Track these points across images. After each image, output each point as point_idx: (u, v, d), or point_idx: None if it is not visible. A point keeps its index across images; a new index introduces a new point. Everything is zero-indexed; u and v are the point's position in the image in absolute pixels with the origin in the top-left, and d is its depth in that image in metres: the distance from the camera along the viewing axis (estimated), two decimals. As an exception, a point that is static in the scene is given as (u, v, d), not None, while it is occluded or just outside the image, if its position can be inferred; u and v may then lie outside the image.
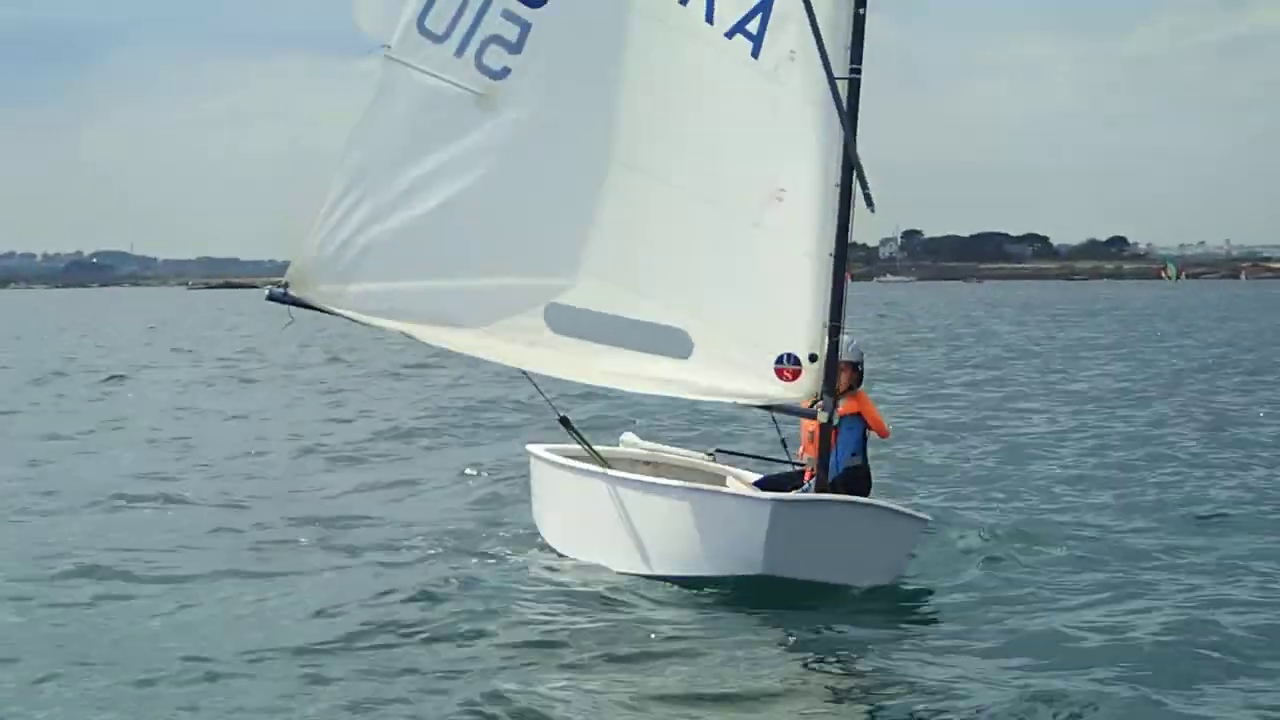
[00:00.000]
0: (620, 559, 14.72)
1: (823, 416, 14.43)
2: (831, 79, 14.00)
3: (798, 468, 15.48)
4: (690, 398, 15.18)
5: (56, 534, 17.58)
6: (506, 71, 14.34)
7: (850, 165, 14.17)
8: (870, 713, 11.04)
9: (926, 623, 13.49)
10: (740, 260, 14.52)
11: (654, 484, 14.79)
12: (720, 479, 16.35)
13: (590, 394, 24.42)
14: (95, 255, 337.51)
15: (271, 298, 14.55)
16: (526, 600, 14.00)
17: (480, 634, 12.80)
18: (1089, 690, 11.08)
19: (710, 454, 17.18)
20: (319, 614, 13.56)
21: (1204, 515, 18.12)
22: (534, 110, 14.39)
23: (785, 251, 14.46)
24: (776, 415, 15.37)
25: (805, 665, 12.08)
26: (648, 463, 16.83)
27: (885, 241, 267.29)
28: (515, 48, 14.31)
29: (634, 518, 14.56)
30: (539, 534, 16.51)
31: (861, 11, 14.32)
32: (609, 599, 13.99)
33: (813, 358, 14.47)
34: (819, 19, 13.98)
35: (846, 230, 14.42)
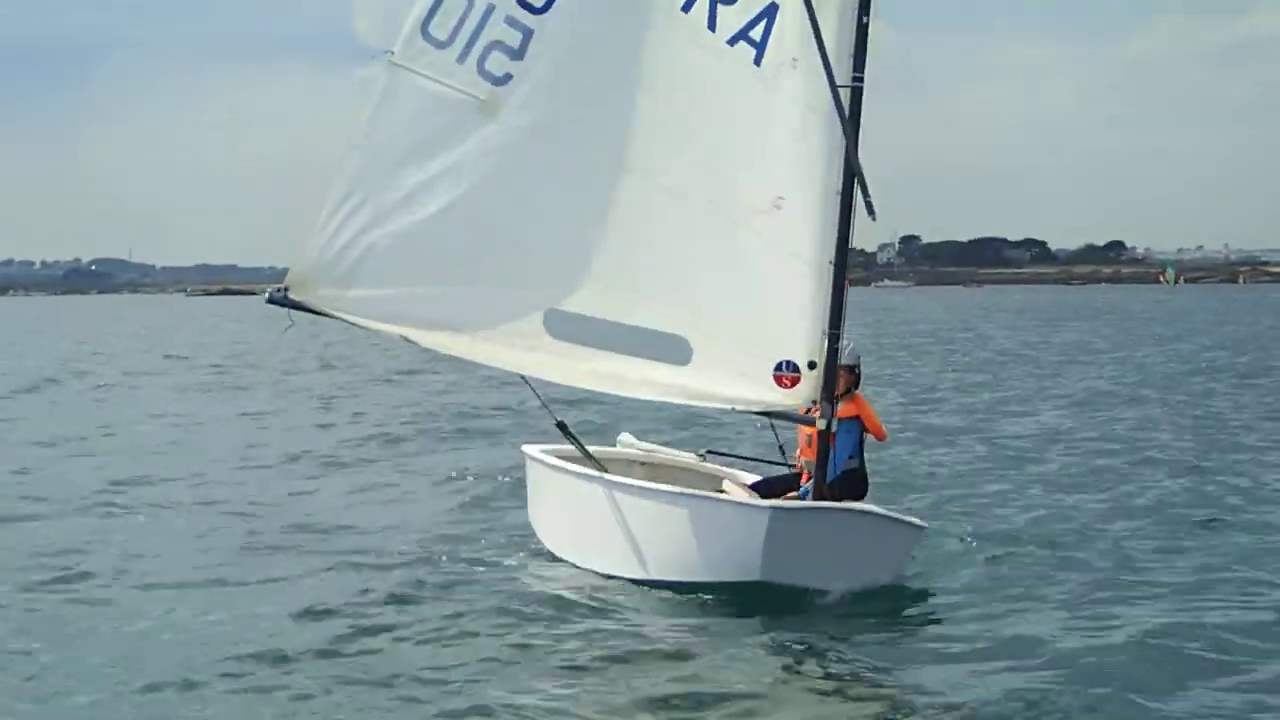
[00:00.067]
0: (617, 564, 14.76)
1: (821, 424, 14.47)
2: (834, 87, 14.03)
3: (792, 469, 15.55)
4: (689, 403, 15.20)
5: (38, 539, 17.56)
6: (508, 77, 14.38)
7: (852, 173, 14.22)
8: (867, 716, 11.08)
9: (919, 625, 13.54)
10: (740, 267, 14.56)
11: (652, 490, 14.82)
12: (717, 480, 16.40)
13: (587, 399, 24.44)
14: (94, 262, 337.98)
15: (272, 301, 14.62)
16: (516, 605, 14.00)
17: (469, 638, 12.82)
18: (1086, 690, 11.16)
19: (700, 454, 17.25)
20: (302, 619, 13.51)
21: (1197, 518, 18.16)
22: (535, 116, 14.43)
23: (785, 258, 14.50)
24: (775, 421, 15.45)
25: (799, 669, 12.11)
26: (643, 463, 16.89)
27: (883, 247, 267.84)
28: (517, 54, 14.35)
29: (631, 523, 14.59)
30: (530, 538, 16.58)
31: (865, 20, 14.36)
32: (603, 603, 14.02)
33: (812, 365, 14.51)
34: (822, 27, 14.03)
35: (847, 238, 14.46)
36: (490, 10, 14.29)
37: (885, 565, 14.26)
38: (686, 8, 14.40)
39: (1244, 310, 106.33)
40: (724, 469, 16.84)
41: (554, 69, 14.39)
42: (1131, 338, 66.69)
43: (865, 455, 15.24)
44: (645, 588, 14.32)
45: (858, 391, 15.19)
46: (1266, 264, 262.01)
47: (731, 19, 14.37)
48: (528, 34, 14.33)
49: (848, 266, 14.63)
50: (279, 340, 59.68)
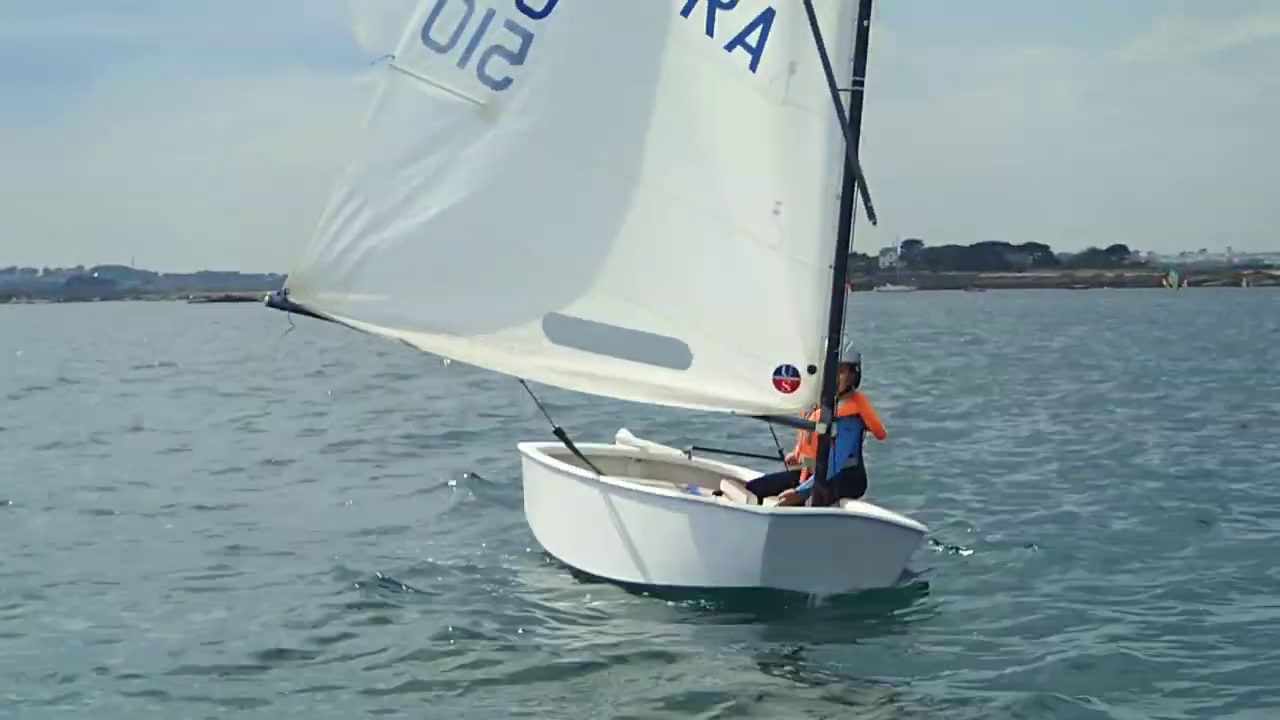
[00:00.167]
0: (616, 568, 14.75)
1: (821, 428, 14.49)
2: (835, 91, 14.04)
3: (788, 468, 15.56)
4: (688, 407, 15.22)
5: (19, 540, 17.59)
6: (508, 82, 14.39)
7: (852, 177, 14.22)
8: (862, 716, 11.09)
9: (915, 628, 13.52)
10: (739, 271, 14.57)
11: (653, 494, 14.83)
12: (714, 477, 16.42)
13: (585, 403, 24.42)
14: (96, 270, 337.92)
15: (271, 304, 14.64)
16: (512, 608, 13.99)
17: (467, 639, 12.78)
18: (1083, 692, 11.18)
19: (686, 451, 17.26)
20: (294, 623, 13.47)
21: (1192, 521, 18.12)
22: (535, 120, 14.44)
23: (784, 263, 14.51)
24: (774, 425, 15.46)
25: (796, 673, 12.11)
26: (639, 460, 16.90)
27: (885, 251, 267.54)
28: (517, 58, 14.36)
29: (631, 527, 14.59)
30: (526, 542, 16.60)
31: (865, 24, 14.38)
32: (601, 607, 14.03)
33: (811, 369, 14.52)
34: (821, 31, 14.03)
35: (847, 242, 14.48)
36: (490, 15, 14.31)
37: (885, 569, 14.27)
38: (685, 12, 14.41)
39: (1247, 313, 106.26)
40: (720, 465, 16.88)
41: (553, 73, 14.41)
42: (1137, 342, 66.64)
43: (864, 454, 15.23)
44: (641, 590, 14.31)
45: (858, 390, 15.20)
46: (1270, 267, 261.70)
47: (729, 24, 14.39)
48: (527, 38, 14.34)
49: (849, 270, 14.65)
50: (278, 343, 59.91)
